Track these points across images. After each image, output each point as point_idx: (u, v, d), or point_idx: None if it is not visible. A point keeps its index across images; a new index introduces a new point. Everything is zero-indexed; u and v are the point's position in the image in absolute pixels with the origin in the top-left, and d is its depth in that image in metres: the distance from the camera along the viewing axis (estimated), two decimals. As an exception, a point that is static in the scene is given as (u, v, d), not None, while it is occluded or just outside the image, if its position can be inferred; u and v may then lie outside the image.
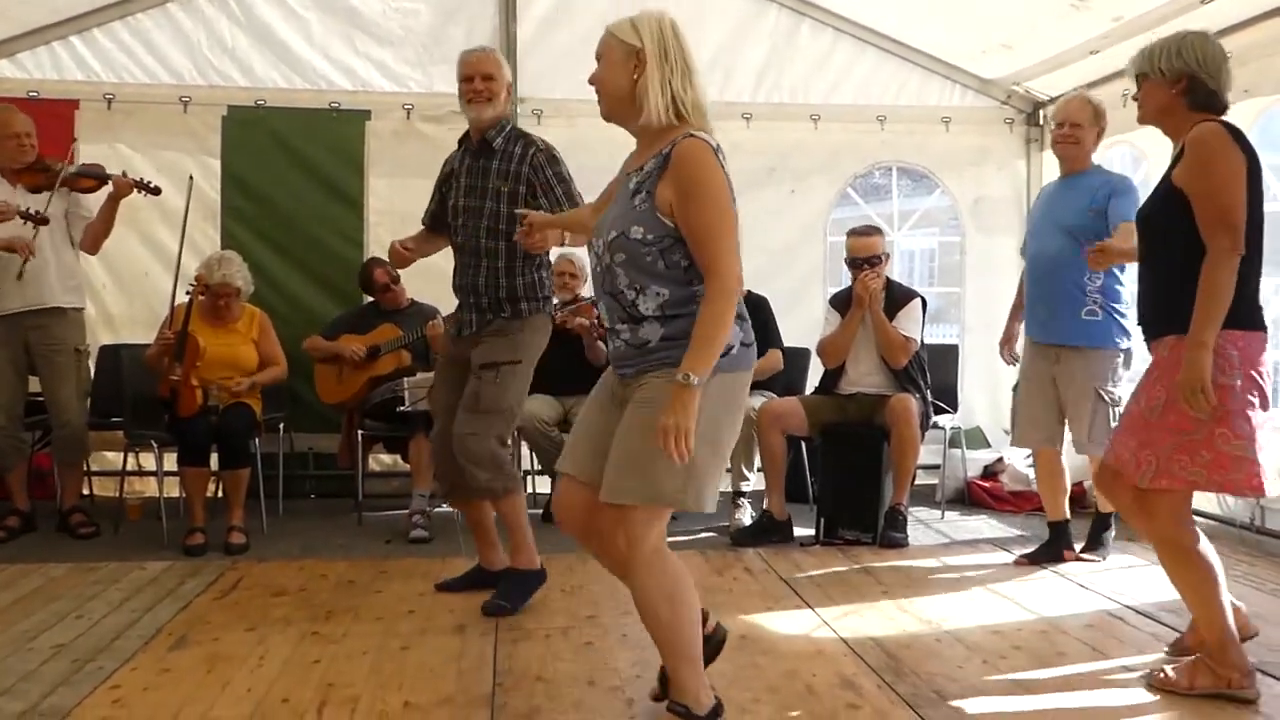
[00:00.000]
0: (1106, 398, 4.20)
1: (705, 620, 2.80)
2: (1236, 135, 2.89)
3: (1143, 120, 3.09)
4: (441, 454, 3.90)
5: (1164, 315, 2.96)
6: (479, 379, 3.73)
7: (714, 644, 2.87)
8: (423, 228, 4.09)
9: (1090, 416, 4.21)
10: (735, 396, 2.57)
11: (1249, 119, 4.64)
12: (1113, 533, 4.56)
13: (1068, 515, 4.54)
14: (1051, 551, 4.48)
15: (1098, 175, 4.36)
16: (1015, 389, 4.66)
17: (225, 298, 4.96)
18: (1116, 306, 4.25)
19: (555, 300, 4.69)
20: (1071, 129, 4.33)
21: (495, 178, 3.76)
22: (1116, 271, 4.21)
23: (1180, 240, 2.88)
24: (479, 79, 3.77)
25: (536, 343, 3.88)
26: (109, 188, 4.98)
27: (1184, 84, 2.94)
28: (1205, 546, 2.96)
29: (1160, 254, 3.01)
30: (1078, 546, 4.53)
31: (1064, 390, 4.32)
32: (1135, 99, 3.07)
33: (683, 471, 2.45)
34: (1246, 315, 2.86)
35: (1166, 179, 2.98)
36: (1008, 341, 4.77)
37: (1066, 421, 4.37)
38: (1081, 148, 4.36)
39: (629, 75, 2.55)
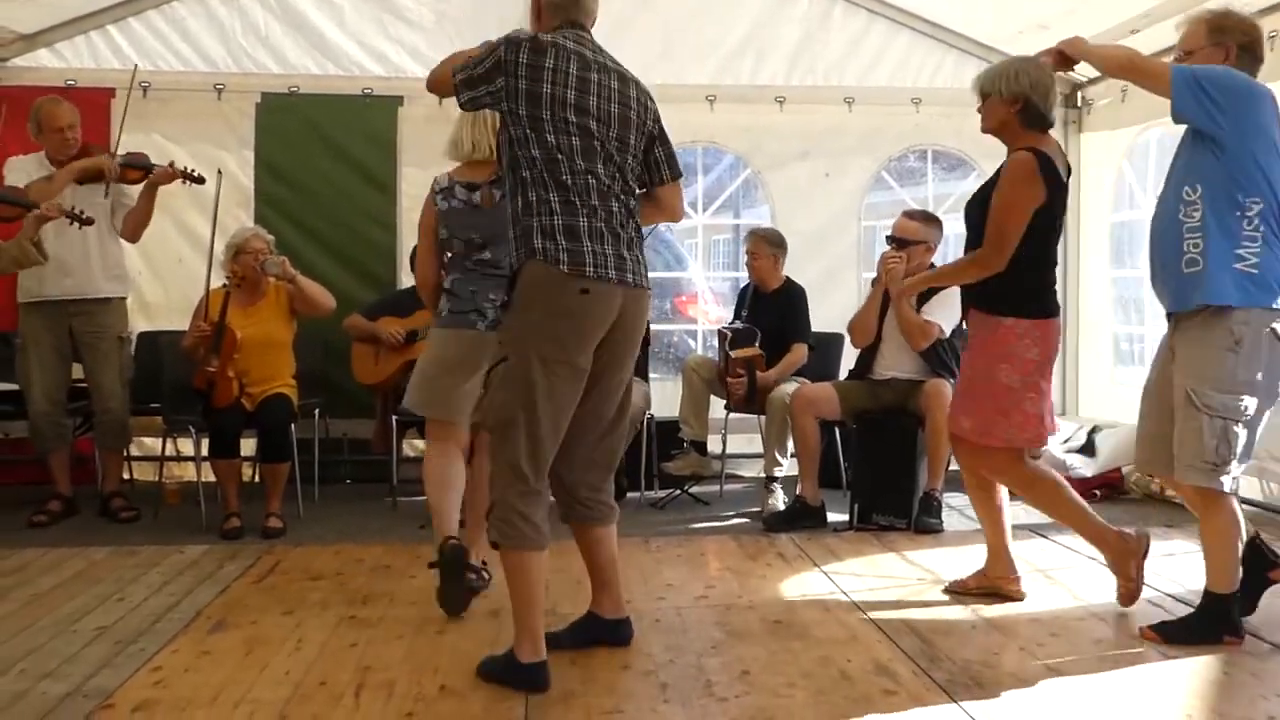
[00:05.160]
0: (1197, 402, 3.10)
1: None
2: (1044, 165, 3.36)
3: (985, 130, 3.55)
4: (562, 459, 3.06)
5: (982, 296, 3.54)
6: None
7: None
8: None
9: (1183, 424, 3.17)
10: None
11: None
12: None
13: (1234, 584, 3.20)
14: (1202, 630, 3.22)
15: None
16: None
17: (256, 253, 4.91)
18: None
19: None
20: (1184, 56, 3.28)
21: None
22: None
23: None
24: None
25: None
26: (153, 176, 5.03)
27: (1020, 105, 3.42)
28: (1037, 467, 3.64)
29: (975, 244, 3.52)
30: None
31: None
32: (979, 111, 3.53)
33: None
34: (1041, 307, 3.49)
35: (991, 183, 3.51)
36: None
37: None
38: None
39: None
